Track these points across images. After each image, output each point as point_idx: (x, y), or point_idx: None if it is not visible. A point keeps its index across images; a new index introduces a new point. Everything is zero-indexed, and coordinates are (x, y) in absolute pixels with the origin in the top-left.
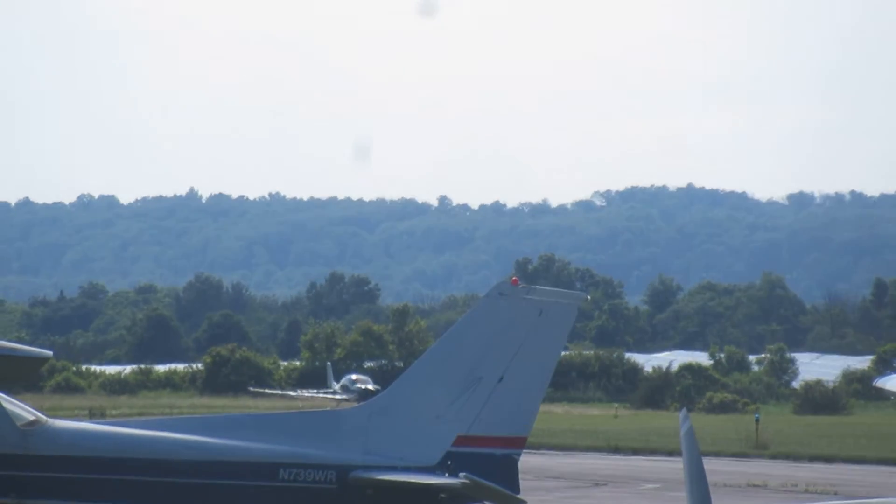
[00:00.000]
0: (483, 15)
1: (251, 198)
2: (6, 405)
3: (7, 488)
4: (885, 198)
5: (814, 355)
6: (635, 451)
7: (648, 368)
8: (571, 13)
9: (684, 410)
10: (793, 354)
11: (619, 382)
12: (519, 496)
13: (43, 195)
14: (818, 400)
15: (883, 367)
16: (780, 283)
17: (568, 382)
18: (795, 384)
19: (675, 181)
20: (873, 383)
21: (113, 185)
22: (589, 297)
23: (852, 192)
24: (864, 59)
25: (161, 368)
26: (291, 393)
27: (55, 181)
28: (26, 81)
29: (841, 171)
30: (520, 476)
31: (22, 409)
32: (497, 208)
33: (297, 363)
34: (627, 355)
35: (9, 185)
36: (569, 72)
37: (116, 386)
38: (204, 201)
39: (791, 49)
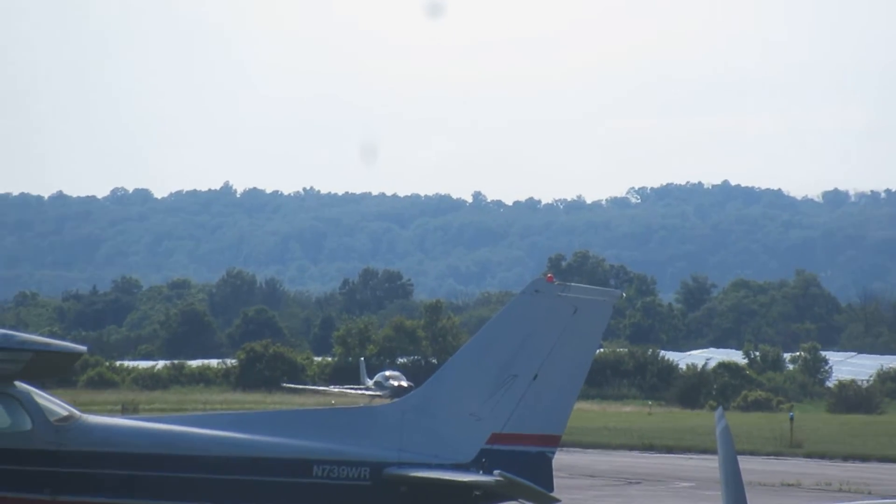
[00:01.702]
0: (516, 7)
1: (285, 192)
2: (39, 401)
3: (41, 484)
4: None
5: (848, 354)
6: (669, 450)
7: (683, 366)
8: (605, 5)
9: (720, 409)
10: (827, 353)
11: (653, 380)
12: (553, 494)
13: (77, 189)
14: (852, 399)
15: None
16: (814, 281)
17: (602, 380)
18: (830, 383)
19: (710, 178)
20: None
21: (147, 178)
22: (623, 294)
23: (887, 191)
24: None
25: (194, 364)
26: (324, 389)
27: (89, 174)
28: (60, 76)
29: (876, 170)
30: (554, 474)
31: (55, 405)
32: (531, 204)
33: (330, 359)
34: (662, 353)
35: (42, 179)
36: (604, 68)
37: (149, 381)
38: (238, 196)
39: (829, 47)
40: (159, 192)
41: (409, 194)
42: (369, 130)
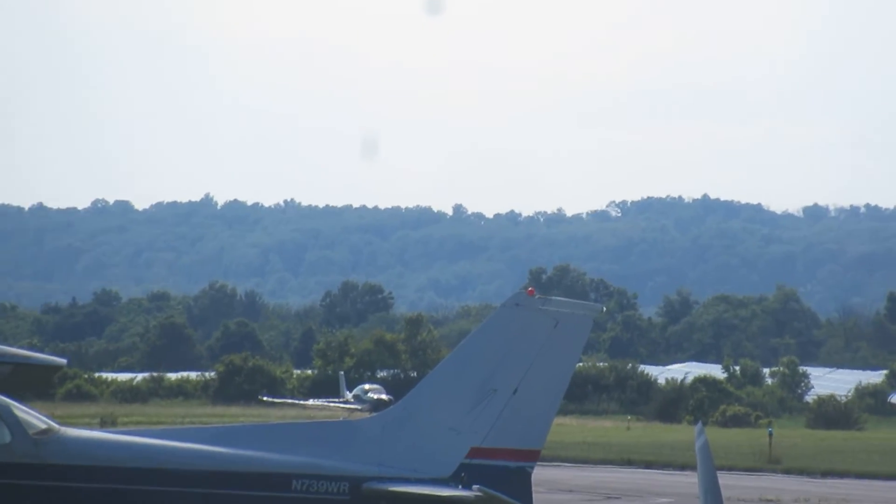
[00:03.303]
0: (496, 27)
1: (266, 205)
2: (18, 413)
3: (20, 498)
4: None
5: (827, 369)
6: (648, 465)
7: (662, 381)
8: (586, 26)
9: (700, 424)
10: (806, 368)
11: (632, 394)
12: None
13: (57, 200)
14: (831, 414)
15: None
16: (794, 295)
17: (582, 394)
18: (809, 398)
19: (690, 192)
20: (888, 399)
21: (127, 190)
22: (604, 308)
23: (867, 206)
24: (879, 75)
25: (173, 376)
26: (304, 402)
27: (69, 186)
28: (39, 87)
29: (856, 184)
30: (533, 489)
31: (34, 418)
32: (512, 217)
33: (310, 372)
34: (641, 367)
35: (22, 190)
36: (584, 82)
37: (128, 394)
38: (219, 208)
39: (808, 63)
40: (140, 204)
41: (389, 207)
42: (351, 143)
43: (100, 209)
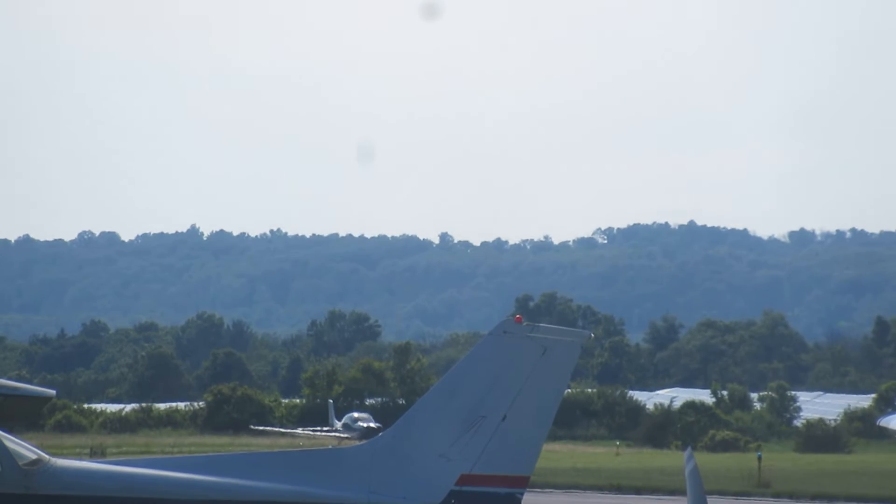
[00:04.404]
0: (480, 54)
1: (252, 235)
2: (8, 444)
3: None
4: (886, 235)
5: (815, 393)
6: (637, 490)
7: (650, 406)
8: (570, 52)
9: (689, 449)
10: (794, 392)
11: (621, 420)
12: None
13: (43, 232)
14: (820, 438)
15: (885, 405)
16: (781, 320)
17: (571, 420)
18: (797, 422)
19: (676, 219)
20: (877, 423)
21: (114, 221)
22: (592, 335)
23: (853, 230)
24: (866, 99)
25: (162, 407)
26: (293, 431)
27: (56, 218)
28: (25, 118)
29: (842, 209)
30: None
31: (24, 448)
32: (498, 245)
33: (298, 401)
34: (629, 393)
35: (9, 223)
36: (570, 109)
37: (117, 424)
38: (205, 238)
39: (794, 88)
40: (126, 235)
41: (376, 235)
42: (337, 172)
43: (87, 241)
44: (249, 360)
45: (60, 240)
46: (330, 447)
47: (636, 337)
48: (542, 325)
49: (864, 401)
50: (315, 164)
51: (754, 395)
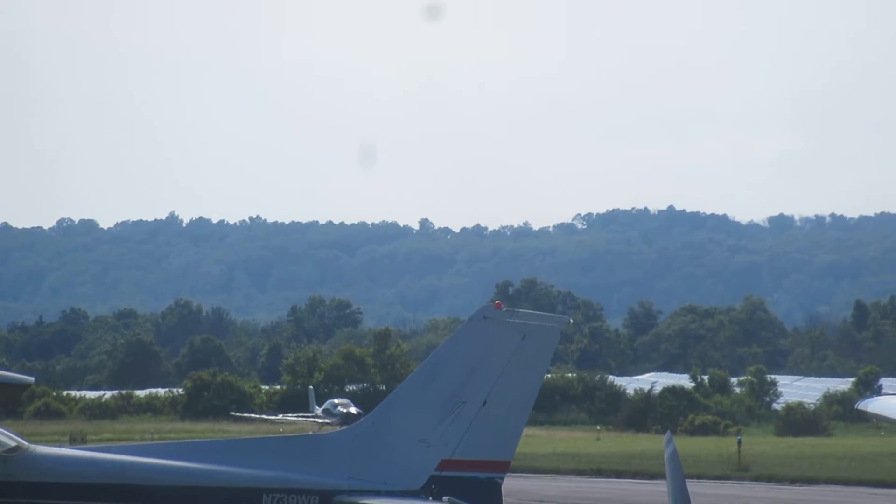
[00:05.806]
0: (460, 47)
1: (231, 222)
2: None
3: None
4: (864, 220)
5: (795, 377)
6: (618, 474)
7: (630, 391)
8: (550, 39)
9: (668, 433)
10: (774, 376)
11: (601, 405)
12: None
13: (22, 219)
14: (799, 422)
15: (863, 389)
16: (760, 305)
17: (551, 405)
18: (777, 406)
19: (655, 204)
20: (856, 406)
21: (92, 208)
22: (571, 320)
23: (832, 215)
24: (844, 87)
25: (142, 393)
26: (273, 417)
27: (34, 205)
28: (3, 104)
29: (821, 194)
30: (503, 500)
31: (3, 436)
32: (478, 231)
33: (279, 387)
34: (609, 378)
35: None
36: (550, 95)
37: (97, 411)
38: (184, 225)
39: (772, 76)
40: (105, 223)
41: (355, 222)
42: (315, 159)
43: (65, 228)
44: (229, 346)
45: (39, 227)
46: (310, 433)
47: (616, 322)
48: (521, 310)
49: (843, 384)
50: (294, 151)
51: (734, 380)
